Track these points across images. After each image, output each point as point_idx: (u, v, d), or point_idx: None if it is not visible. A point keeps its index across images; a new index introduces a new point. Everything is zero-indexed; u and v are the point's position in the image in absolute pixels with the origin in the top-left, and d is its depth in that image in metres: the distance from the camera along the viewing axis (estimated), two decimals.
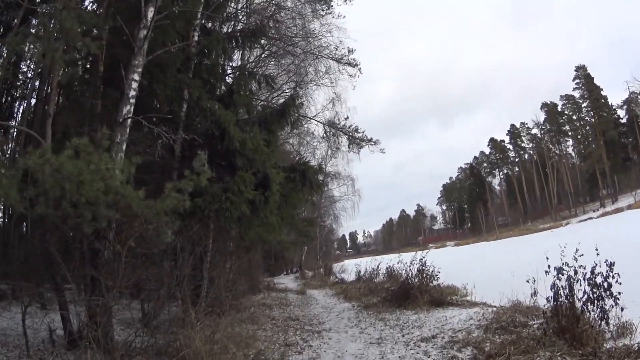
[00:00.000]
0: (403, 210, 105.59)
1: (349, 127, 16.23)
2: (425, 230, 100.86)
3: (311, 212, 30.03)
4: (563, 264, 4.78)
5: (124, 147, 5.71)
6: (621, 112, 55.86)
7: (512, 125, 72.31)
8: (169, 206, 4.60)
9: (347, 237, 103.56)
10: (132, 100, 5.89)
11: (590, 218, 48.80)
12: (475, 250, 45.60)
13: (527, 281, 5.26)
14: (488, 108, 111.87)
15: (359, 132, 16.02)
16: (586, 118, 57.60)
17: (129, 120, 5.80)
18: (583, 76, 56.86)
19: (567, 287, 4.72)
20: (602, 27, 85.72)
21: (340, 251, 74.15)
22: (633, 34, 77.59)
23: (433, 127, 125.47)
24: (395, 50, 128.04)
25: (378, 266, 13.85)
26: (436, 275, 9.05)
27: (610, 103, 55.82)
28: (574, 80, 58.32)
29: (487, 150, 78.29)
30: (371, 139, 15.90)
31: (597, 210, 52.15)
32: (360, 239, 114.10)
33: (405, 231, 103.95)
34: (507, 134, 73.44)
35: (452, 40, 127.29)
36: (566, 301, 4.70)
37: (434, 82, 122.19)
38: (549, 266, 4.84)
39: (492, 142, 76.28)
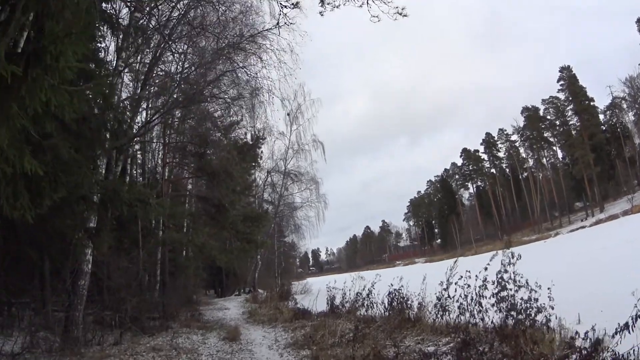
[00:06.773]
0: (367, 227, 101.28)
1: None
2: (391, 247, 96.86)
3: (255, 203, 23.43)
4: None
5: None
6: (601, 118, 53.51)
7: (488, 134, 67.30)
8: None
9: (310, 255, 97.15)
10: None
11: (583, 227, 45.80)
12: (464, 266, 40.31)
13: None
14: (458, 127, 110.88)
15: None
16: (570, 122, 54.61)
17: None
18: (567, 77, 53.77)
19: None
20: (571, 48, 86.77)
21: (302, 269, 67.43)
22: (599, 54, 78.06)
23: (401, 145, 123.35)
24: (368, 67, 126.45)
25: (370, 289, 7.93)
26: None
27: (595, 106, 52.96)
28: (558, 81, 54.77)
29: (459, 162, 73.03)
30: None
31: (585, 219, 49.51)
32: (323, 256, 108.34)
33: (370, 248, 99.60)
34: (481, 143, 68.35)
35: (425, 59, 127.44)
36: None
37: (405, 100, 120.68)
38: None
39: (465, 152, 71.22)
